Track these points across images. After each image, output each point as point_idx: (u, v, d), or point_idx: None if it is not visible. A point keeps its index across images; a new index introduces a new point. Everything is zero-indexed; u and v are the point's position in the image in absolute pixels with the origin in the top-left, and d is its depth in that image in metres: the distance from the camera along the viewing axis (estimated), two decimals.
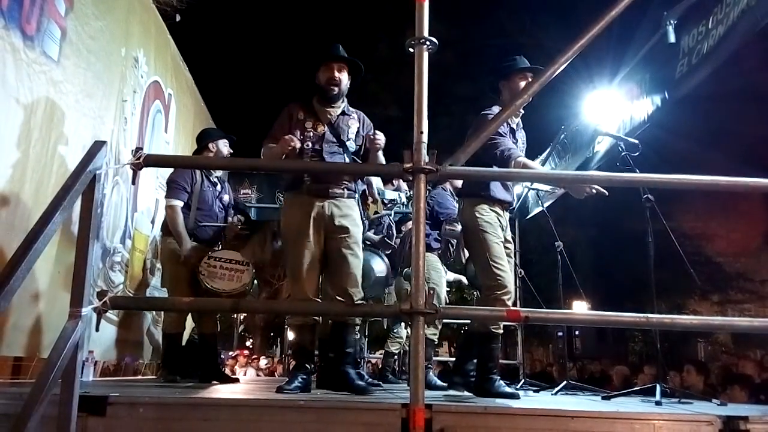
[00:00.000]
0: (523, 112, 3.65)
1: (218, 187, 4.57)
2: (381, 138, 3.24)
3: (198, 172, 4.40)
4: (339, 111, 3.34)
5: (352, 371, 3.17)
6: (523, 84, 3.45)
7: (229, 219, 4.68)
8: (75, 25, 3.85)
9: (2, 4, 3.10)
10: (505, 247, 3.50)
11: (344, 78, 3.30)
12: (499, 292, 3.25)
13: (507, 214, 3.58)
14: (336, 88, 3.27)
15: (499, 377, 3.33)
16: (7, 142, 3.20)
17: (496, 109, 3.49)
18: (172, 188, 4.33)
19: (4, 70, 3.13)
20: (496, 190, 3.49)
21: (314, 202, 3.18)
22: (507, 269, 3.35)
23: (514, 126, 3.61)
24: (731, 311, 15.32)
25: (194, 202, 4.34)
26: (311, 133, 3.24)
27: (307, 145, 3.23)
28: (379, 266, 4.33)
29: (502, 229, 3.49)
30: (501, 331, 3.50)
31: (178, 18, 6.51)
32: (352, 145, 3.32)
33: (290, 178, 3.30)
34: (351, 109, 3.42)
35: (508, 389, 3.29)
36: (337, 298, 3.15)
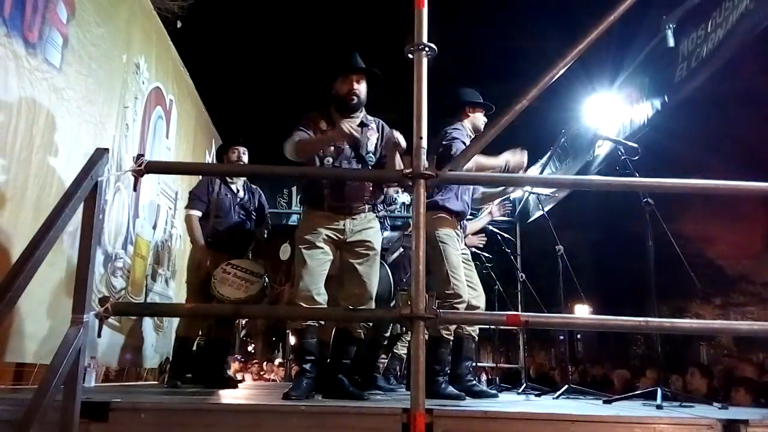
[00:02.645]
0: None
1: (240, 194, 4.58)
2: (401, 139, 3.07)
3: (218, 180, 4.50)
4: (358, 121, 3.24)
5: (345, 379, 3.16)
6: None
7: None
8: (77, 32, 3.87)
9: (4, 12, 3.12)
10: (462, 254, 3.75)
11: (363, 88, 3.24)
12: (454, 301, 3.48)
13: (462, 225, 3.83)
14: (356, 98, 3.21)
15: (444, 380, 3.46)
16: (10, 149, 3.22)
17: (465, 125, 3.83)
18: (191, 199, 4.50)
19: (7, 77, 3.15)
20: (453, 202, 3.68)
21: (334, 219, 3.14)
22: (463, 279, 3.58)
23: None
24: (733, 314, 15.29)
25: (212, 210, 4.43)
26: (331, 147, 3.17)
27: (327, 161, 3.16)
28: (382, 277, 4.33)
29: (459, 241, 3.71)
30: (451, 338, 3.63)
31: (179, 24, 6.55)
32: (371, 159, 3.26)
33: (311, 193, 3.22)
34: (369, 118, 3.35)
35: (453, 391, 3.40)
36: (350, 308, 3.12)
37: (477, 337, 3.90)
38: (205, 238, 4.35)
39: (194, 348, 4.99)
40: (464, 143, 3.62)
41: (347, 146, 3.20)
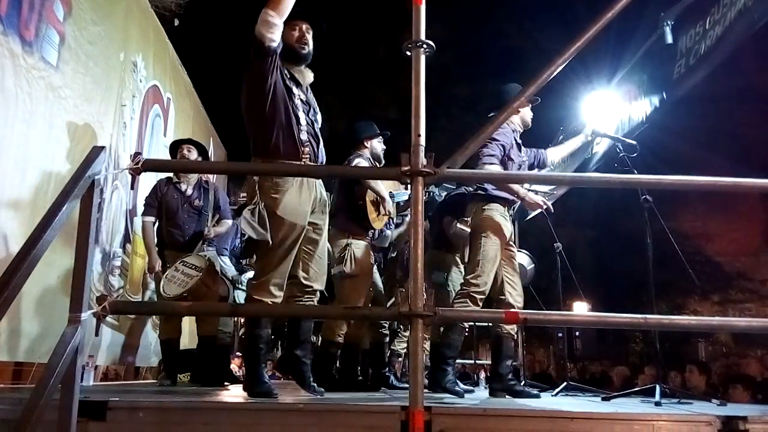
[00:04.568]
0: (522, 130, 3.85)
1: (189, 192, 4.56)
2: None
3: (164, 182, 4.53)
4: (311, 79, 3.08)
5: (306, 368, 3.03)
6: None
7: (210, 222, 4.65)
8: (74, 30, 3.86)
9: (1, 10, 3.11)
10: (509, 249, 3.66)
11: (311, 40, 3.06)
12: (473, 290, 3.47)
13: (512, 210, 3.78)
14: (306, 47, 3.03)
15: (451, 370, 3.43)
16: (7, 147, 3.21)
17: (515, 121, 3.76)
18: (144, 206, 4.55)
19: (3, 75, 3.14)
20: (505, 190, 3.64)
21: (312, 184, 2.91)
22: (490, 274, 3.53)
23: (520, 141, 3.78)
24: (732, 311, 15.32)
25: (163, 212, 4.47)
26: (299, 101, 2.96)
27: (299, 118, 2.91)
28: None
29: (510, 229, 3.66)
30: (465, 325, 3.63)
31: (176, 22, 6.53)
32: (319, 119, 3.11)
33: (285, 148, 2.84)
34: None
35: (456, 387, 3.37)
36: (314, 286, 2.96)
37: (516, 335, 3.81)
38: (160, 240, 4.44)
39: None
40: (503, 146, 3.57)
41: (306, 100, 3.03)
